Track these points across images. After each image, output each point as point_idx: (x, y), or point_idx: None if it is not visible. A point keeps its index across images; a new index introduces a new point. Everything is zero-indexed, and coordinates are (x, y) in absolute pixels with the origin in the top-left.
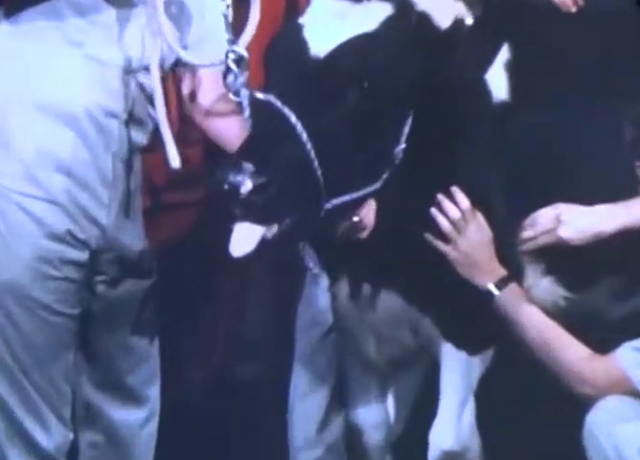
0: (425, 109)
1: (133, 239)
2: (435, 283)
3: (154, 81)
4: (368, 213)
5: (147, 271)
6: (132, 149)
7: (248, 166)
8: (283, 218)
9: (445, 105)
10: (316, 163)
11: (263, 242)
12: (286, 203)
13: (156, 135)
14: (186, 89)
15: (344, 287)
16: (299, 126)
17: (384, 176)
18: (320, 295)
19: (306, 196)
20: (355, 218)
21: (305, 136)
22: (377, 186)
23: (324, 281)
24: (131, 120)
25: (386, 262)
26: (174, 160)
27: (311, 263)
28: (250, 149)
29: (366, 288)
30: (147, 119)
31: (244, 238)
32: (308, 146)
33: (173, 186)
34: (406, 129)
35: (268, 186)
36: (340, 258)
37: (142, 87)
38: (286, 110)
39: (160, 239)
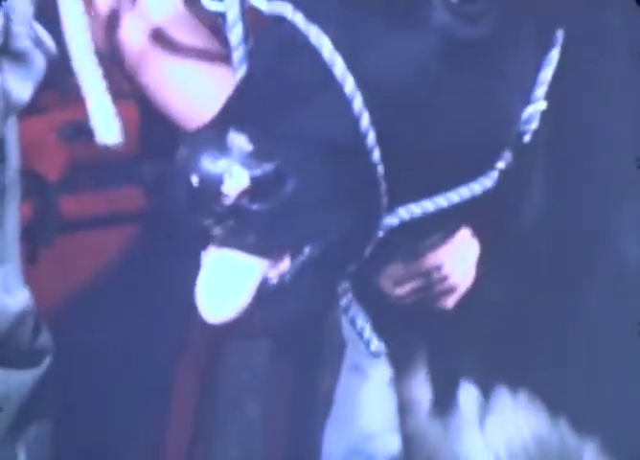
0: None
1: (7, 292)
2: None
3: None
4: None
5: (31, 352)
6: (8, 109)
7: (239, 140)
8: (302, 243)
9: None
10: (371, 137)
11: (265, 292)
12: (311, 215)
13: (49, 84)
14: None
15: (423, 386)
16: (339, 65)
17: (501, 165)
18: (369, 398)
19: (349, 202)
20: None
21: (350, 84)
22: (486, 184)
23: (379, 370)
24: (5, 54)
25: (508, 338)
26: (108, 128)
27: (370, 331)
28: (243, 109)
29: (468, 388)
30: (30, 50)
31: (227, 284)
32: (357, 103)
33: (81, 183)
34: (547, 74)
35: (277, 181)
36: (414, 325)
37: None
38: (315, 33)
39: (58, 289)
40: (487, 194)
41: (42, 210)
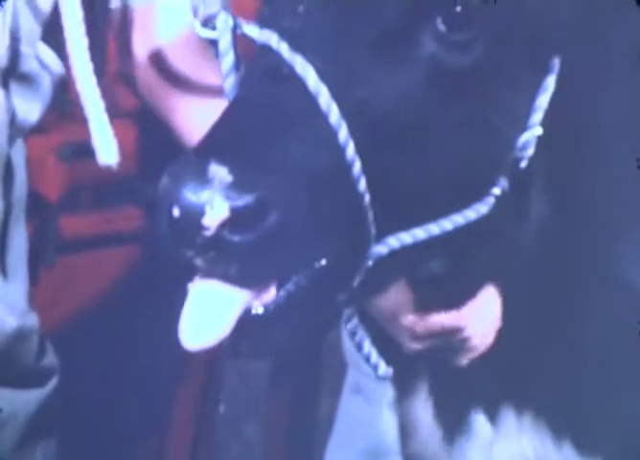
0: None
1: (9, 310)
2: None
3: None
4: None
5: (36, 372)
6: (15, 130)
7: (220, 172)
8: (287, 273)
9: None
10: (357, 166)
11: (248, 322)
12: (296, 246)
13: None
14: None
15: (425, 409)
16: (324, 95)
17: (496, 191)
18: (371, 419)
19: (334, 231)
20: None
21: (335, 114)
22: (481, 210)
23: (381, 391)
24: (13, 75)
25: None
26: (107, 149)
27: (377, 356)
28: (226, 138)
29: (472, 411)
30: (38, 72)
31: (208, 313)
32: (342, 133)
33: (80, 203)
34: (543, 100)
35: (259, 212)
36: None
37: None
38: (300, 63)
39: (57, 309)
40: (483, 219)
41: (43, 230)
